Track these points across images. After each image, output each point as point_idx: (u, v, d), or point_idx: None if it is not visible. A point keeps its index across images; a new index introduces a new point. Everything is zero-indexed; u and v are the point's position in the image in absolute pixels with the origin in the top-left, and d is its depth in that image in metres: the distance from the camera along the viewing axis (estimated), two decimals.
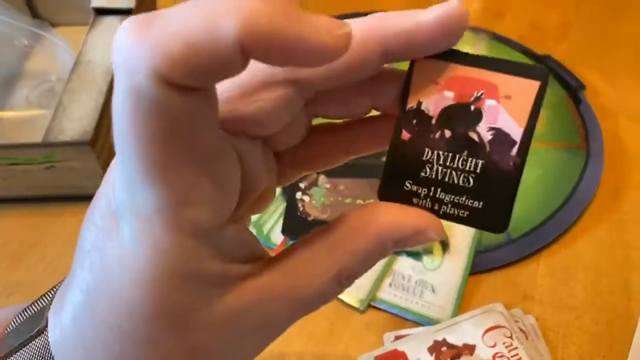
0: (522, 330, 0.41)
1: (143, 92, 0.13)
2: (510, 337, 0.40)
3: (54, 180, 0.48)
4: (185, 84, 0.13)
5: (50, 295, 0.20)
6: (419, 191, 0.19)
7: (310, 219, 0.47)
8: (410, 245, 0.18)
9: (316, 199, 0.49)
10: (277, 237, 0.46)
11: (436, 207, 0.18)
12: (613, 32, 0.69)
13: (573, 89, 0.60)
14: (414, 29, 0.16)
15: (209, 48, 0.13)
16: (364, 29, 0.16)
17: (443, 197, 0.18)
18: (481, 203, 0.18)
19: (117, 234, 0.16)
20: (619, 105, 0.59)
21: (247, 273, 0.18)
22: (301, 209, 0.48)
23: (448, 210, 0.18)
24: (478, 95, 0.18)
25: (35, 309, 0.20)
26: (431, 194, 0.18)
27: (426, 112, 0.18)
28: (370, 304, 0.43)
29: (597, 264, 0.46)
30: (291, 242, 0.44)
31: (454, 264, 0.45)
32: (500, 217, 0.18)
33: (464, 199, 0.18)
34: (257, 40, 0.13)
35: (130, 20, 0.13)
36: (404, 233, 0.18)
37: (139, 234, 0.15)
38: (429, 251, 0.45)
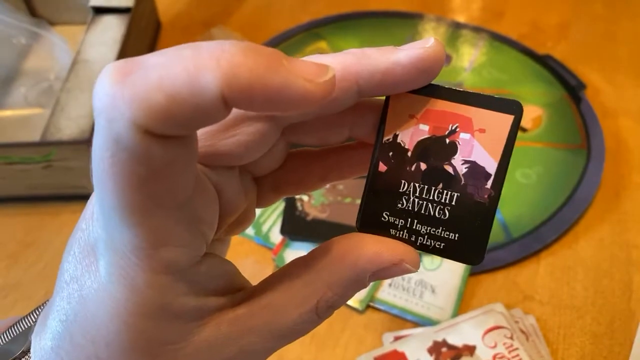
0: (522, 331, 0.40)
1: (122, 140, 0.13)
2: (511, 338, 0.39)
3: (51, 179, 0.48)
4: (165, 133, 0.13)
5: (35, 315, 0.20)
6: (396, 222, 0.19)
7: (309, 218, 0.47)
8: (387, 277, 0.18)
9: (315, 198, 0.48)
10: (276, 237, 0.46)
11: (413, 239, 0.19)
12: (613, 31, 0.68)
13: (573, 89, 0.60)
14: (390, 69, 0.17)
15: (191, 101, 0.13)
16: (341, 67, 0.17)
17: (419, 228, 0.19)
18: (457, 235, 0.18)
19: (95, 268, 0.16)
20: (619, 105, 0.59)
21: (225, 305, 0.18)
22: (300, 208, 0.47)
23: (424, 242, 0.19)
24: (453, 128, 0.18)
25: (21, 329, 0.20)
26: (408, 225, 0.19)
27: (402, 144, 0.18)
28: (370, 305, 0.42)
29: (597, 264, 0.45)
30: (289, 242, 0.44)
31: (453, 264, 0.44)
32: (476, 249, 0.18)
33: (439, 230, 0.18)
34: (239, 93, 0.13)
35: (111, 67, 0.13)
36: (381, 265, 0.18)
37: (114, 270, 0.16)
38: None
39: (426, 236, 0.19)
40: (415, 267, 0.18)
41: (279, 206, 0.48)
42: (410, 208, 0.19)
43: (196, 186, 0.16)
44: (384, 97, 0.19)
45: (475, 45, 0.66)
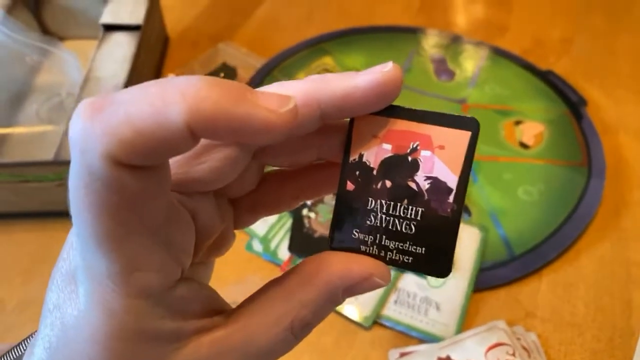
0: (524, 348, 0.42)
1: (95, 171, 0.14)
2: (513, 355, 0.40)
3: (65, 196, 0.48)
4: (135, 163, 0.14)
5: (26, 345, 0.21)
6: (366, 239, 0.19)
7: (316, 235, 0.48)
8: (359, 292, 0.19)
9: (322, 215, 0.49)
10: (284, 254, 0.47)
11: (382, 254, 0.19)
12: (615, 48, 0.69)
13: (575, 105, 0.61)
14: (349, 93, 0.17)
15: (158, 133, 0.14)
16: (303, 94, 0.17)
17: (388, 244, 0.19)
18: (423, 249, 0.19)
19: (75, 296, 0.17)
20: (620, 121, 0.60)
21: (204, 327, 0.18)
22: (307, 225, 0.49)
23: (394, 257, 0.19)
24: (414, 146, 0.19)
25: (14, 357, 0.21)
26: (377, 241, 0.19)
27: (367, 163, 0.19)
28: (376, 321, 0.43)
29: (598, 281, 0.46)
30: (297, 259, 0.45)
31: (458, 281, 0.45)
32: (442, 262, 0.19)
33: (407, 245, 0.19)
34: (204, 124, 0.14)
35: (85, 103, 0.14)
36: (352, 281, 0.19)
37: (92, 296, 0.16)
38: None
39: (395, 251, 0.19)
40: (385, 280, 0.19)
41: (287, 223, 0.49)
42: (378, 224, 0.19)
43: (170, 212, 0.17)
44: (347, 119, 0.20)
45: (478, 60, 0.67)
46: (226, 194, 0.21)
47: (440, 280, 0.45)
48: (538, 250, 0.48)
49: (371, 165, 0.19)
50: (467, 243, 0.48)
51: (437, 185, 0.19)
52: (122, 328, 0.16)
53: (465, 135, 0.18)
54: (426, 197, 0.19)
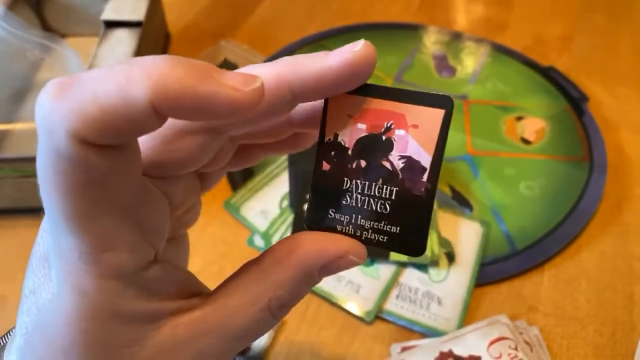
0: (526, 342, 0.41)
1: (61, 150, 0.14)
2: (515, 349, 0.40)
3: None
4: (101, 142, 0.14)
5: (11, 335, 0.21)
6: (342, 219, 0.19)
7: None
8: (335, 270, 0.19)
9: None
10: None
11: (358, 234, 0.19)
12: (616, 44, 0.69)
13: (576, 101, 0.61)
14: (321, 74, 0.17)
15: (122, 111, 0.14)
16: (273, 75, 0.17)
17: (364, 223, 0.19)
18: (398, 228, 0.19)
19: (48, 279, 0.17)
20: (622, 117, 0.60)
21: (180, 309, 0.18)
22: None
23: (369, 236, 0.19)
24: (388, 125, 0.19)
25: None
26: (353, 221, 0.19)
27: (342, 143, 0.19)
28: (378, 316, 0.43)
29: (600, 276, 0.46)
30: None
31: (459, 275, 0.45)
32: (416, 241, 0.19)
33: (382, 224, 0.19)
34: (168, 102, 0.14)
35: (51, 83, 0.14)
36: (327, 258, 0.19)
37: (65, 277, 0.16)
38: (435, 263, 0.46)
39: (370, 230, 0.19)
40: (361, 259, 0.19)
41: (288, 218, 0.49)
42: (354, 204, 0.19)
43: (142, 194, 0.17)
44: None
45: (479, 56, 0.67)
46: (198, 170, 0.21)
47: (442, 274, 0.45)
48: (540, 245, 0.48)
49: (346, 145, 0.19)
50: (469, 238, 0.48)
51: (411, 164, 0.19)
52: (95, 309, 0.16)
53: (439, 114, 0.18)
54: (400, 176, 0.19)
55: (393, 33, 0.70)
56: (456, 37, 0.69)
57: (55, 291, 0.17)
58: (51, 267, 0.17)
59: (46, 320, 0.17)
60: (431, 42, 0.69)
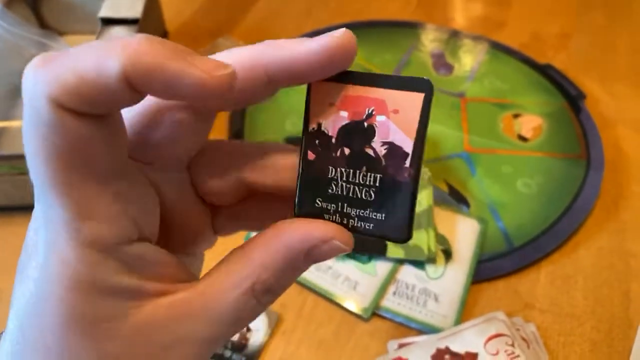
0: (523, 339, 0.42)
1: (41, 114, 0.15)
2: (512, 345, 0.41)
3: None
4: (79, 110, 0.15)
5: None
6: (329, 207, 0.19)
7: None
8: (321, 257, 0.19)
9: None
10: None
11: (345, 222, 0.19)
12: (613, 42, 0.69)
13: (573, 98, 0.61)
14: (296, 57, 0.17)
15: (97, 80, 0.15)
16: (249, 57, 0.18)
17: (350, 211, 0.19)
18: (383, 215, 0.19)
19: (36, 250, 0.17)
20: (619, 114, 0.60)
21: (164, 291, 0.18)
22: None
23: (355, 224, 0.19)
24: (369, 112, 0.19)
25: None
26: (339, 209, 0.19)
27: (326, 132, 0.19)
28: (375, 313, 0.44)
29: (597, 273, 0.46)
30: None
31: (456, 272, 0.46)
32: (402, 227, 0.19)
33: (367, 212, 0.19)
34: (138, 74, 0.15)
35: (37, 57, 0.16)
36: (311, 243, 0.19)
37: (49, 245, 0.17)
38: (432, 260, 0.46)
39: (356, 218, 0.19)
40: (347, 245, 0.19)
41: None
42: (339, 192, 0.19)
43: (126, 171, 0.18)
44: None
45: (476, 54, 0.67)
46: (204, 196, 0.21)
47: (439, 271, 0.45)
48: (537, 242, 0.48)
49: (329, 134, 0.19)
50: (466, 235, 0.48)
51: (393, 150, 0.19)
52: (76, 279, 0.17)
53: (418, 98, 0.18)
54: (383, 162, 0.19)
55: (391, 31, 0.70)
56: (454, 35, 0.69)
57: (41, 262, 0.17)
58: (39, 240, 0.17)
59: (34, 294, 0.17)
60: (429, 39, 0.69)
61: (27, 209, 0.50)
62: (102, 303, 0.17)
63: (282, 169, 0.20)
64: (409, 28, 0.71)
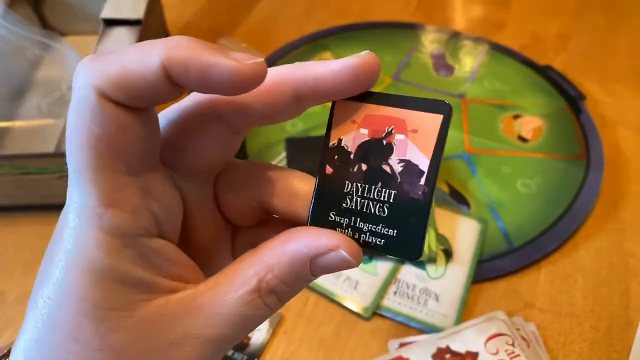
0: (523, 338, 0.42)
1: (86, 102, 0.16)
2: (512, 345, 0.41)
3: (65, 188, 0.49)
4: (120, 101, 0.17)
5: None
6: (342, 221, 0.20)
7: None
8: (328, 266, 0.19)
9: None
10: None
11: (356, 236, 0.20)
12: (612, 43, 0.70)
13: (573, 99, 0.61)
14: (322, 76, 0.19)
15: (138, 72, 0.16)
16: (278, 73, 0.19)
17: (362, 226, 0.20)
18: (395, 231, 0.19)
19: (61, 237, 0.18)
20: (618, 115, 0.60)
21: (177, 288, 0.19)
22: None
23: (367, 239, 0.20)
24: (389, 130, 0.19)
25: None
26: (352, 223, 0.20)
27: (345, 148, 0.20)
28: (376, 312, 0.44)
29: (596, 273, 0.47)
30: None
31: (457, 272, 0.46)
32: (413, 244, 0.19)
33: (379, 227, 0.19)
34: (177, 66, 0.16)
35: (90, 55, 0.17)
36: (317, 250, 0.19)
37: (72, 231, 0.17)
38: (433, 260, 0.46)
39: (368, 233, 0.20)
40: (355, 258, 0.19)
41: None
42: (353, 207, 0.20)
43: (154, 167, 0.19)
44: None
45: (477, 55, 0.67)
46: (226, 215, 0.22)
47: (440, 271, 0.46)
48: (537, 242, 0.48)
49: (349, 150, 0.20)
50: (466, 235, 0.48)
51: (409, 168, 0.19)
52: (92, 262, 0.17)
53: (437, 119, 0.19)
54: (399, 179, 0.19)
55: (391, 32, 0.71)
56: (454, 36, 0.70)
57: (65, 246, 0.17)
58: (64, 225, 0.18)
59: (55, 277, 0.18)
60: (429, 41, 0.69)
61: (28, 209, 0.50)
62: (114, 291, 0.18)
63: (299, 196, 0.21)
64: (409, 29, 0.71)
